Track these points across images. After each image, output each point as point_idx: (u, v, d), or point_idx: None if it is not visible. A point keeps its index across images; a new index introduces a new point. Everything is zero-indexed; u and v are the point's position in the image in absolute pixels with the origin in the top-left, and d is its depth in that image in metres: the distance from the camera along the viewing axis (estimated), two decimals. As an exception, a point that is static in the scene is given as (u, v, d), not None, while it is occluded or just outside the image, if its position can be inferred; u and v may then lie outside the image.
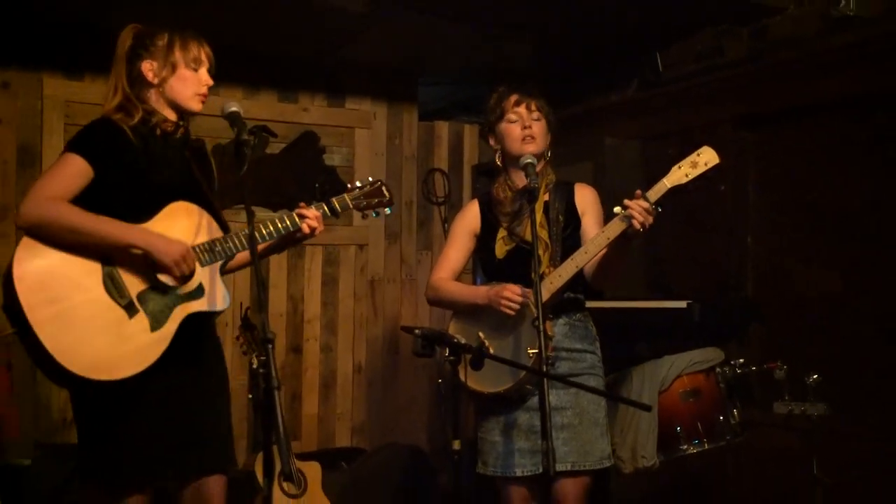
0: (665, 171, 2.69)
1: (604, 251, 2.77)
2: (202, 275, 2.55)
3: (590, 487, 2.90)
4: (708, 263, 4.23)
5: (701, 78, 4.20)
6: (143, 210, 2.51)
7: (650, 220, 2.63)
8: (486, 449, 2.97)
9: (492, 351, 2.84)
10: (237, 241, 2.60)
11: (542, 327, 2.49)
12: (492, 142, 3.07)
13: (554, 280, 2.82)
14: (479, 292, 2.95)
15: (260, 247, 2.66)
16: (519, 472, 2.88)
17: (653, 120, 4.51)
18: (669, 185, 2.66)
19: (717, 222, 4.18)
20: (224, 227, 2.65)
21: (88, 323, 2.40)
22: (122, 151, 2.52)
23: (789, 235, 3.94)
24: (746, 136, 4.10)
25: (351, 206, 2.81)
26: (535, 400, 2.83)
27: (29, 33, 4.15)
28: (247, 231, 2.52)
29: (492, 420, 2.96)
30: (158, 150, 2.59)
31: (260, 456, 2.41)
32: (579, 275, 2.85)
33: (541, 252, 2.86)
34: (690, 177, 2.65)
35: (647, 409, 2.80)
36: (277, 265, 4.76)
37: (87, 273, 2.44)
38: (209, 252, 2.57)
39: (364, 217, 2.95)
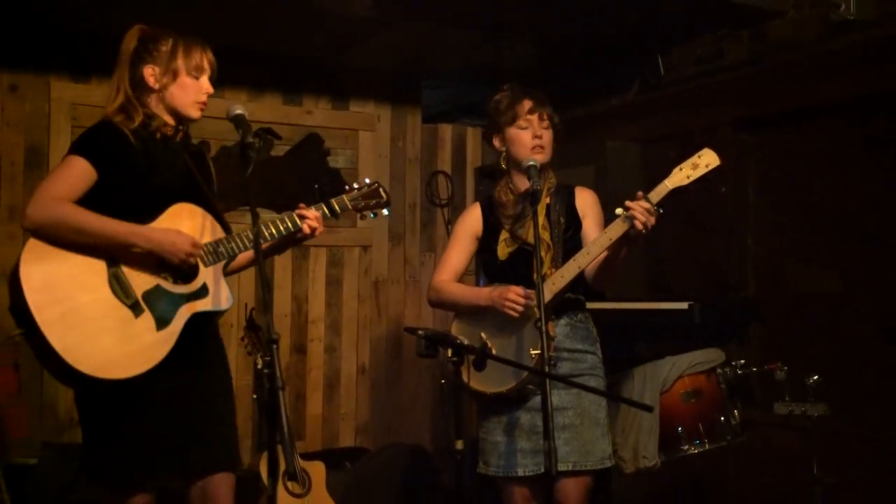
0: (666, 174, 2.70)
1: (605, 252, 2.78)
2: (206, 274, 2.58)
3: (591, 487, 2.91)
4: (708, 264, 4.24)
5: (701, 81, 4.21)
6: (144, 212, 2.53)
7: (652, 220, 2.64)
8: (487, 449, 2.98)
9: (494, 352, 2.86)
10: (240, 242, 2.62)
11: (544, 328, 2.50)
12: (496, 143, 3.05)
13: (556, 281, 2.83)
14: (481, 294, 2.95)
15: (262, 247, 2.68)
16: (521, 472, 2.89)
17: (653, 123, 4.52)
18: (671, 187, 2.67)
19: (717, 223, 4.19)
20: (226, 228, 2.68)
21: (95, 323, 2.42)
22: (123, 154, 2.54)
23: (789, 236, 3.95)
24: (747, 138, 4.11)
25: (349, 206, 2.82)
26: (536, 400, 2.85)
27: (36, 37, 4.18)
28: (249, 232, 2.57)
29: (494, 420, 2.97)
30: (159, 152, 2.61)
31: (264, 455, 2.43)
32: (580, 276, 2.86)
33: (543, 254, 2.87)
34: (691, 178, 2.67)
35: (649, 409, 2.81)
36: (282, 266, 4.78)
37: (93, 273, 2.46)
38: (213, 252, 2.59)
39: (362, 218, 2.97)
